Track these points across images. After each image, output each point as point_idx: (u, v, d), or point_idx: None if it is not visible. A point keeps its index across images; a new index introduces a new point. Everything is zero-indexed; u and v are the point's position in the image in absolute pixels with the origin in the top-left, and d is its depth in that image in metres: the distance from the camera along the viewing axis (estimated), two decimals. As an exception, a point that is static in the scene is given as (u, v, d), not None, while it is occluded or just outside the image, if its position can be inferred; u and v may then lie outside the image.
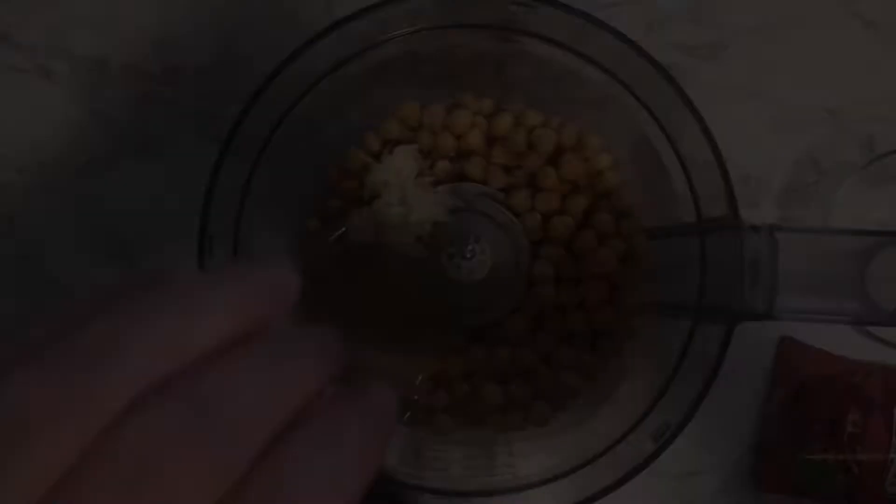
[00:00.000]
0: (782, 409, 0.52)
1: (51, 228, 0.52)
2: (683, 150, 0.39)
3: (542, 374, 0.45)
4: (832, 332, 0.52)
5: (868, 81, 0.54)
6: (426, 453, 0.43)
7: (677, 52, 0.54)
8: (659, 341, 0.43)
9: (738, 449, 0.52)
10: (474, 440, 0.45)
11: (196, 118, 0.53)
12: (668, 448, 0.35)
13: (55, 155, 0.53)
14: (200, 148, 0.51)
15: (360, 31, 0.40)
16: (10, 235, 0.52)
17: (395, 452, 0.42)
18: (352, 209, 0.45)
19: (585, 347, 0.45)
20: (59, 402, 0.14)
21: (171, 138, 0.53)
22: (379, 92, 0.47)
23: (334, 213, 0.46)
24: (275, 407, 0.17)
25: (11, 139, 0.53)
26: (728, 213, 0.35)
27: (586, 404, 0.45)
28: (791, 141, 0.54)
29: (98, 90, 0.53)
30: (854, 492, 0.49)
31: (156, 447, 0.15)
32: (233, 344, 0.17)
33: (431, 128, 0.46)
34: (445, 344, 0.46)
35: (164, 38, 0.53)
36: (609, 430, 0.39)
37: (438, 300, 0.45)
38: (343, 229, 0.45)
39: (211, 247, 0.36)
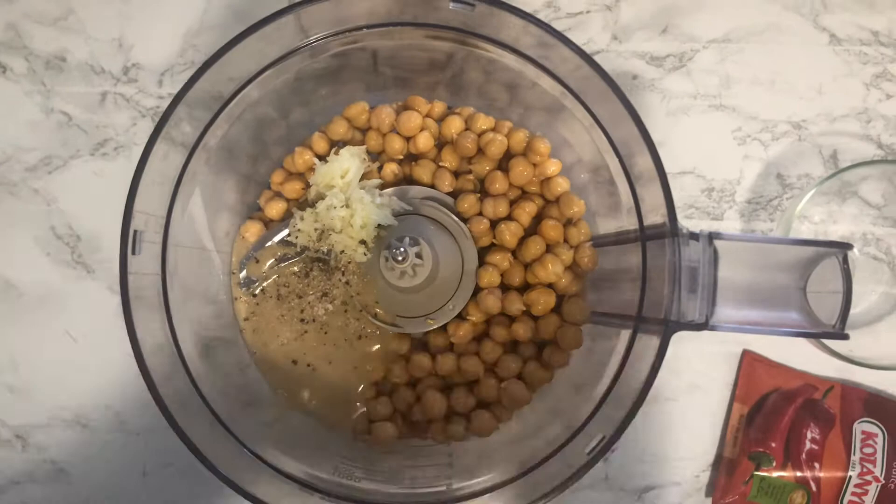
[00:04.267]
0: (742, 424, 0.51)
1: (2, 227, 0.52)
2: (633, 162, 0.38)
3: (487, 384, 0.44)
4: (793, 348, 0.52)
5: (833, 95, 0.53)
6: (367, 465, 0.42)
7: (643, 62, 0.53)
8: (602, 352, 0.42)
9: (698, 464, 0.52)
10: (416, 450, 0.44)
11: (155, 117, 0.52)
12: (601, 459, 0.34)
13: (9, 152, 0.52)
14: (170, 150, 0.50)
15: (310, 26, 0.40)
16: (-42, 233, 0.52)
17: (330, 463, 0.41)
18: (295, 212, 0.44)
19: (531, 357, 0.44)
20: None
21: (128, 138, 0.52)
22: (330, 92, 0.47)
23: (276, 215, 0.46)
24: None
25: (-37, 135, 0.52)
26: (667, 220, 0.34)
27: (531, 415, 0.44)
28: (755, 153, 0.53)
29: (55, 87, 0.52)
30: (810, 509, 0.49)
31: None
32: None
33: (380, 129, 0.45)
34: None
35: (124, 36, 0.52)
36: (550, 441, 0.38)
37: None
38: (286, 232, 0.44)
39: (135, 243, 0.35)
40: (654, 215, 0.36)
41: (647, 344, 0.35)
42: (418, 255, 0.42)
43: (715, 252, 0.33)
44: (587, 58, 0.37)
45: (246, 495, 0.35)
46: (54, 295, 0.51)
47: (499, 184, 0.44)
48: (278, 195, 0.46)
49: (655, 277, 0.36)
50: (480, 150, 0.45)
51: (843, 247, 0.33)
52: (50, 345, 0.51)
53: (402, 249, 0.41)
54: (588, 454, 0.34)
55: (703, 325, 0.33)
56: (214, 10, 0.53)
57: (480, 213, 0.45)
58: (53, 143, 0.52)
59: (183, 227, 0.40)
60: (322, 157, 0.45)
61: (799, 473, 0.49)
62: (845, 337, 0.34)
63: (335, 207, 0.42)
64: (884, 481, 0.49)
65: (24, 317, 0.51)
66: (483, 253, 0.45)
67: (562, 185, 0.44)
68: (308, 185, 0.45)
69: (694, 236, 0.34)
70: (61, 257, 0.52)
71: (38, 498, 0.51)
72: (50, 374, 0.51)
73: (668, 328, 0.34)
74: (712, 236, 0.34)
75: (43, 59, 0.52)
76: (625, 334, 0.37)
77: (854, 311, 0.49)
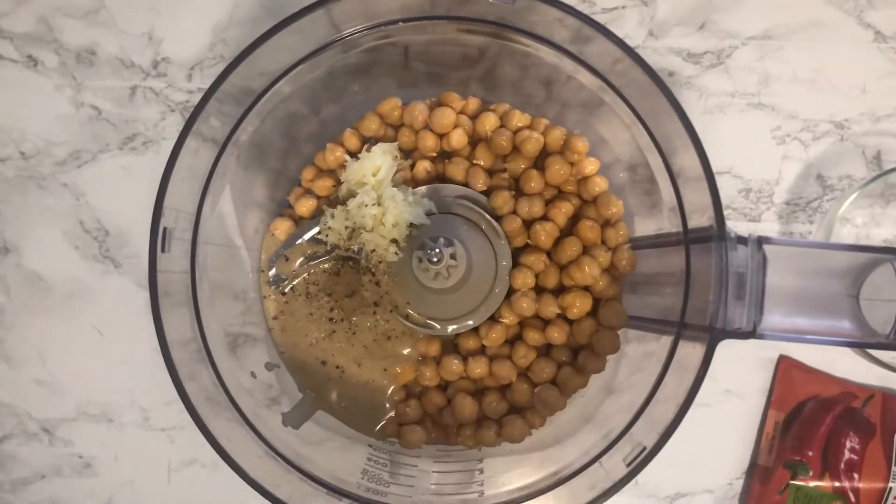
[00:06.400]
0: (777, 432, 0.49)
1: (32, 221, 0.52)
2: (675, 160, 0.37)
3: (519, 389, 0.43)
4: (832, 354, 0.50)
5: (877, 94, 0.51)
6: (395, 469, 0.41)
7: (679, 59, 0.52)
8: (640, 358, 0.41)
9: (732, 471, 0.51)
10: (447, 455, 0.44)
11: (184, 112, 0.52)
12: (641, 471, 0.33)
13: (39, 146, 0.52)
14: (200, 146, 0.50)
15: (342, 21, 0.39)
16: (-11, 226, 0.52)
17: (358, 467, 0.40)
18: (326, 209, 0.44)
19: (565, 362, 0.43)
20: None
21: (157, 132, 0.52)
22: (362, 88, 0.46)
23: (307, 212, 0.45)
24: None
25: (-6, 128, 0.52)
26: (714, 224, 0.33)
27: (565, 422, 0.43)
28: (795, 154, 0.52)
29: (85, 81, 0.52)
30: (849, 521, 0.47)
31: None
32: None
33: (413, 126, 0.44)
34: None
35: (153, 30, 0.52)
36: (586, 450, 0.37)
37: None
38: (316, 230, 0.44)
39: (165, 241, 0.34)
40: (699, 217, 0.34)
41: (689, 351, 0.34)
42: (452, 256, 0.42)
43: (763, 257, 0.32)
44: (629, 50, 0.36)
45: (271, 498, 0.34)
46: (82, 289, 0.51)
47: (534, 183, 0.43)
48: (309, 192, 0.46)
49: (699, 282, 0.35)
50: (516, 148, 0.44)
51: (899, 253, 0.32)
52: (77, 339, 0.51)
53: (437, 250, 0.40)
54: (627, 465, 0.33)
55: (750, 334, 0.32)
56: (244, 4, 0.52)
57: (515, 213, 0.44)
58: (83, 137, 0.52)
59: (212, 223, 0.39)
60: (353, 154, 0.44)
61: (837, 483, 0.48)
62: (901, 348, 0.32)
63: (366, 205, 0.41)
64: (926, 494, 0.47)
65: (51, 310, 0.51)
66: (517, 254, 0.44)
67: (599, 184, 0.43)
68: (339, 183, 0.45)
69: (742, 240, 0.33)
70: (89, 252, 0.51)
71: (64, 492, 0.51)
72: (77, 369, 0.51)
73: (713, 336, 0.32)
74: (761, 240, 0.32)
75: (73, 52, 0.52)
76: (665, 340, 0.36)
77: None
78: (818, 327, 0.32)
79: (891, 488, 0.48)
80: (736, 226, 0.51)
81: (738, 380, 0.51)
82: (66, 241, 0.52)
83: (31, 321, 0.51)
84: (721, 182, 0.51)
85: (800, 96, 0.52)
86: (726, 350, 0.49)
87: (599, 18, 0.52)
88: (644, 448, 0.33)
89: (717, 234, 0.33)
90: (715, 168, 0.50)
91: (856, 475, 0.48)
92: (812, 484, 0.48)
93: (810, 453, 0.48)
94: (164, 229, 0.34)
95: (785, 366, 0.50)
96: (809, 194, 0.51)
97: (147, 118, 0.52)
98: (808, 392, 0.50)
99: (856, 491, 0.48)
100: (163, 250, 0.34)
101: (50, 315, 0.51)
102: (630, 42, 0.52)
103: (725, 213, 0.51)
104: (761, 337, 0.32)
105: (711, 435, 0.50)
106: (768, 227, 0.51)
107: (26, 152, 0.52)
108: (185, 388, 0.34)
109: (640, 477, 0.49)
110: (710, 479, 0.51)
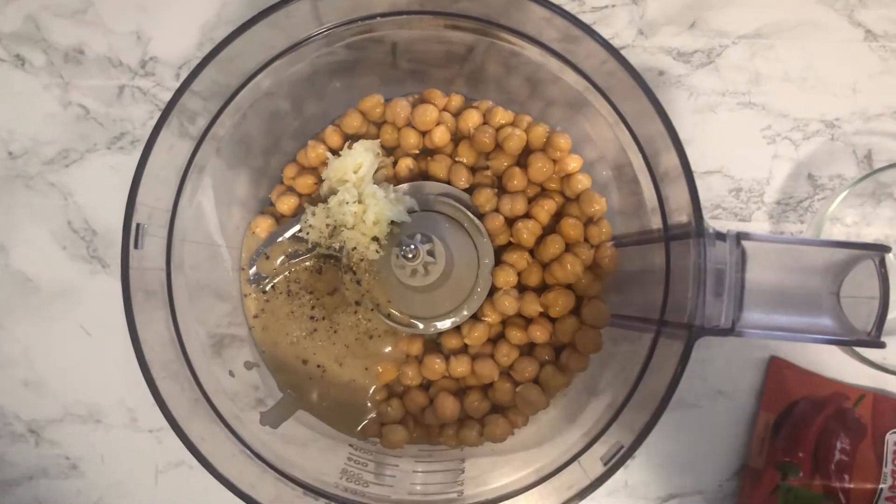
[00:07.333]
0: (768, 432, 0.49)
1: (19, 221, 0.51)
2: (659, 161, 0.36)
3: (502, 388, 0.42)
4: (823, 355, 0.50)
5: (868, 93, 0.51)
6: (376, 469, 0.41)
7: (669, 58, 0.52)
8: (623, 357, 0.40)
9: (722, 472, 0.50)
10: (429, 455, 0.43)
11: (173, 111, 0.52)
12: (618, 470, 0.33)
13: (27, 145, 0.52)
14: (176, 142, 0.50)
15: (325, 13, 0.39)
16: (-25, 226, 0.52)
17: (338, 467, 0.40)
18: (307, 207, 0.43)
19: (548, 361, 0.43)
20: None
21: (145, 131, 0.52)
22: (345, 85, 0.46)
23: (288, 210, 0.45)
24: None
25: (-20, 127, 0.52)
26: (692, 220, 0.32)
27: (548, 421, 0.43)
28: (786, 153, 0.51)
29: (73, 81, 0.52)
30: (839, 523, 0.47)
31: None
32: None
33: (395, 123, 0.44)
34: None
35: (142, 29, 0.52)
36: (567, 449, 0.37)
37: None
38: (297, 228, 0.43)
39: (138, 237, 0.34)
40: (680, 215, 0.34)
41: (670, 349, 0.34)
42: (430, 253, 0.41)
43: (743, 253, 0.32)
44: (614, 51, 0.36)
45: (246, 499, 0.34)
46: (69, 289, 0.51)
47: (517, 180, 0.43)
48: (290, 190, 0.45)
49: (679, 279, 0.34)
50: (498, 146, 0.44)
51: (879, 249, 0.31)
52: (65, 339, 0.51)
53: (412, 247, 0.40)
54: (605, 464, 0.33)
55: (729, 331, 0.32)
56: (232, 4, 0.52)
57: (497, 209, 0.43)
58: (71, 137, 0.52)
59: (191, 221, 0.39)
60: (335, 152, 0.44)
61: (828, 484, 0.47)
62: (881, 345, 0.32)
63: (347, 203, 0.41)
64: (917, 495, 0.47)
65: (39, 311, 0.51)
66: (500, 252, 0.44)
67: (582, 181, 0.42)
68: (321, 180, 0.44)
69: (721, 236, 0.32)
70: (77, 252, 0.51)
71: (51, 493, 0.51)
72: (64, 369, 0.51)
73: (691, 333, 0.32)
74: (740, 237, 0.32)
75: (61, 51, 0.52)
76: (646, 339, 0.36)
77: (888, 317, 0.47)
78: (799, 324, 0.32)
79: (881, 489, 0.47)
80: (726, 225, 0.51)
81: (729, 381, 0.50)
82: (54, 241, 0.51)
83: (18, 321, 0.51)
84: (711, 181, 0.51)
85: (790, 95, 0.51)
86: (717, 350, 0.49)
87: (589, 17, 0.52)
88: (622, 447, 0.33)
89: (694, 230, 0.32)
90: (705, 167, 0.51)
91: (846, 476, 0.47)
92: (803, 485, 0.48)
93: (801, 454, 0.48)
94: (138, 225, 0.34)
95: (776, 366, 0.50)
96: (800, 194, 0.51)
97: (135, 117, 0.52)
98: (799, 393, 0.49)
99: (846, 492, 0.47)
100: (136, 247, 0.34)
101: (37, 315, 0.51)
102: (619, 41, 0.52)
103: (716, 212, 0.51)
104: (740, 334, 0.32)
105: (702, 436, 0.50)
106: (759, 226, 0.51)
107: (14, 152, 0.52)
108: (158, 387, 0.34)
109: (631, 478, 0.50)
110: (701, 480, 0.50)
